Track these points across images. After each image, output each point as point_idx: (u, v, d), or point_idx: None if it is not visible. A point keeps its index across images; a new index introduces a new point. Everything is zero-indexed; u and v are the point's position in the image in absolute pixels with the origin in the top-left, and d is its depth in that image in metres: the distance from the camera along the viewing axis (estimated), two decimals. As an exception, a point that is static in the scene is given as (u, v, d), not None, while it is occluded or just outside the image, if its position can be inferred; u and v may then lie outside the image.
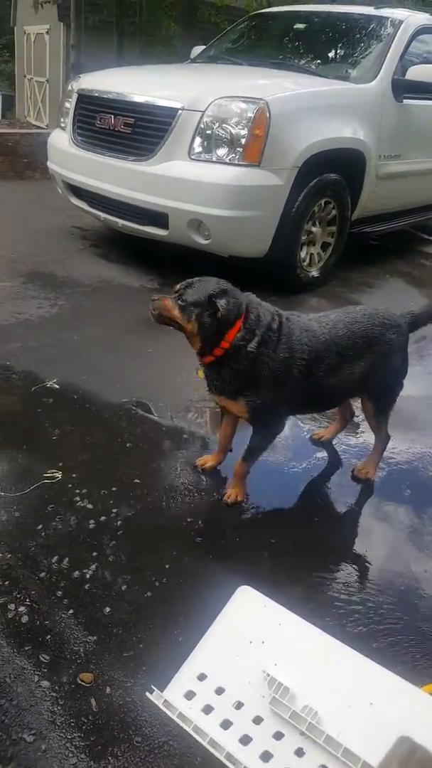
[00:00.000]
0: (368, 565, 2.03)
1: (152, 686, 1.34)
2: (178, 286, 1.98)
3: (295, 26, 5.64)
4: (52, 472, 2.24)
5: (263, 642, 1.38)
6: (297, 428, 2.69)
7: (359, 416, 2.65)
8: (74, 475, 2.24)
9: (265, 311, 2.03)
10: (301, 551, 2.05)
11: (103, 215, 4.50)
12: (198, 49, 5.91)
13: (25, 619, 1.68)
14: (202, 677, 1.34)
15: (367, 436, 2.64)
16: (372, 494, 2.38)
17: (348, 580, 1.95)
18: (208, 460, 2.38)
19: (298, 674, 1.31)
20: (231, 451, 2.38)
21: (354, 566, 2.02)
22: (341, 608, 1.84)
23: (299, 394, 2.11)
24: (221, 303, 1.90)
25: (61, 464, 2.29)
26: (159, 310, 1.96)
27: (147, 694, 1.34)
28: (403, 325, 2.25)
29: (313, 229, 4.32)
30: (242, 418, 2.18)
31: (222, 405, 2.18)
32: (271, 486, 2.34)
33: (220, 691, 1.31)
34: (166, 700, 1.30)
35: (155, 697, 1.31)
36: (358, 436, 2.71)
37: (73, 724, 1.43)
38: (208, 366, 2.05)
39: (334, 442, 2.63)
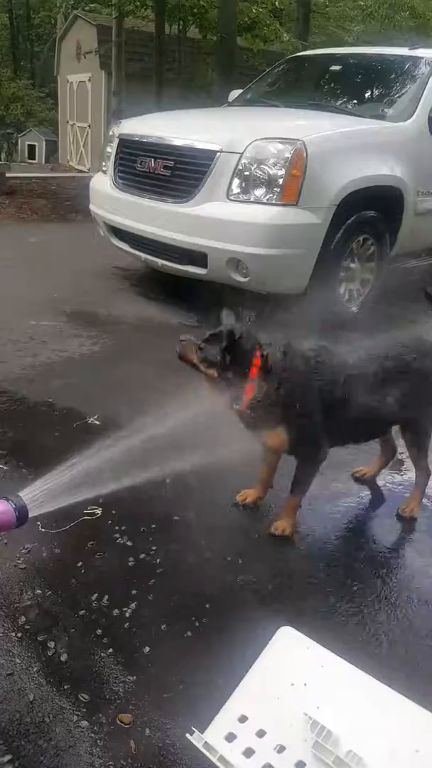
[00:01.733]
0: (415, 607, 1.97)
1: (192, 728, 1.32)
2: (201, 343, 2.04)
3: (331, 68, 5.75)
4: (93, 509, 2.25)
5: (305, 684, 1.35)
6: (339, 466, 2.66)
7: (402, 452, 2.61)
8: (114, 512, 2.25)
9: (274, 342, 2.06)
10: (345, 591, 2.00)
11: (143, 256, 4.60)
12: (236, 93, 6.06)
13: (64, 657, 1.67)
14: (243, 719, 1.31)
15: (412, 474, 2.59)
16: (418, 533, 2.33)
17: (394, 621, 1.90)
18: (248, 495, 2.36)
19: (341, 718, 1.27)
20: (272, 487, 2.36)
21: (400, 608, 1.96)
22: (386, 650, 1.79)
23: (335, 421, 2.11)
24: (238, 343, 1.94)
25: (101, 500, 2.31)
26: (182, 352, 2.06)
27: (187, 735, 1.32)
28: None
29: (352, 265, 4.33)
30: (283, 451, 2.18)
31: (262, 441, 2.19)
32: (313, 525, 2.31)
33: (261, 733, 1.28)
34: (206, 743, 1.28)
35: (195, 739, 1.29)
36: (403, 473, 2.67)
37: (111, 767, 1.41)
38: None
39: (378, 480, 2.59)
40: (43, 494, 1.79)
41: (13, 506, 1.62)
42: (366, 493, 2.54)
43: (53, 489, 1.86)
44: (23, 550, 2.03)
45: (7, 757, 1.41)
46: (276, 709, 1.32)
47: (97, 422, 2.86)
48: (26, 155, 19.02)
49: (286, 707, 1.32)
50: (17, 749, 1.43)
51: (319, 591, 1.99)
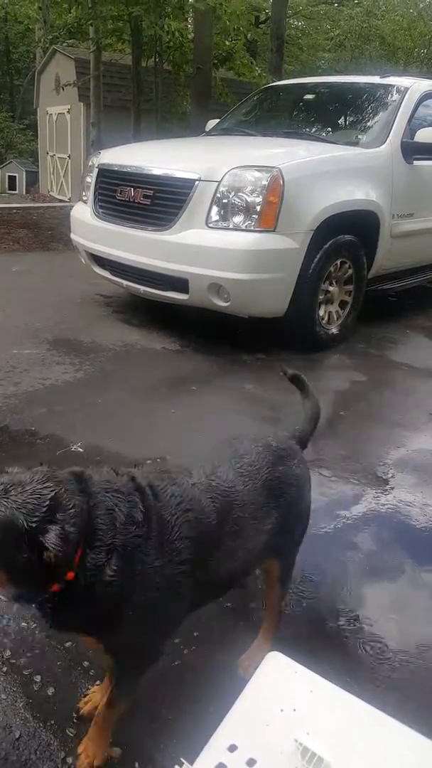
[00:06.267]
0: (403, 628, 1.97)
1: (181, 759, 1.29)
2: None
3: (305, 97, 5.88)
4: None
5: (294, 710, 1.33)
6: (324, 487, 2.66)
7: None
8: (99, 541, 2.23)
9: (122, 500, 1.39)
10: (332, 616, 2.00)
11: (125, 283, 4.63)
12: (212, 122, 6.16)
13: (50, 691, 1.65)
14: (232, 748, 1.29)
15: (396, 493, 2.60)
16: (405, 558, 2.33)
17: (382, 644, 1.89)
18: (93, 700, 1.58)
19: (332, 743, 1.26)
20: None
21: (388, 631, 1.96)
22: (375, 673, 1.78)
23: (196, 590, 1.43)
24: (50, 537, 1.16)
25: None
26: None
27: (176, 767, 1.30)
28: (298, 450, 1.69)
29: (330, 288, 4.39)
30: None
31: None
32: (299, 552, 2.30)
33: (251, 762, 1.26)
34: (195, 774, 1.26)
35: (184, 771, 1.27)
36: (387, 492, 2.67)
37: (101, 802, 1.39)
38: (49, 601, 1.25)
39: (367, 512, 2.59)
40: None
41: None
42: (349, 514, 2.54)
43: None
44: (7, 583, 2.00)
45: (-7, 797, 1.38)
46: (266, 736, 1.30)
47: (80, 449, 2.85)
48: (6, 186, 19.11)
49: (276, 734, 1.30)
50: (3, 788, 1.40)
51: (307, 616, 1.99)
